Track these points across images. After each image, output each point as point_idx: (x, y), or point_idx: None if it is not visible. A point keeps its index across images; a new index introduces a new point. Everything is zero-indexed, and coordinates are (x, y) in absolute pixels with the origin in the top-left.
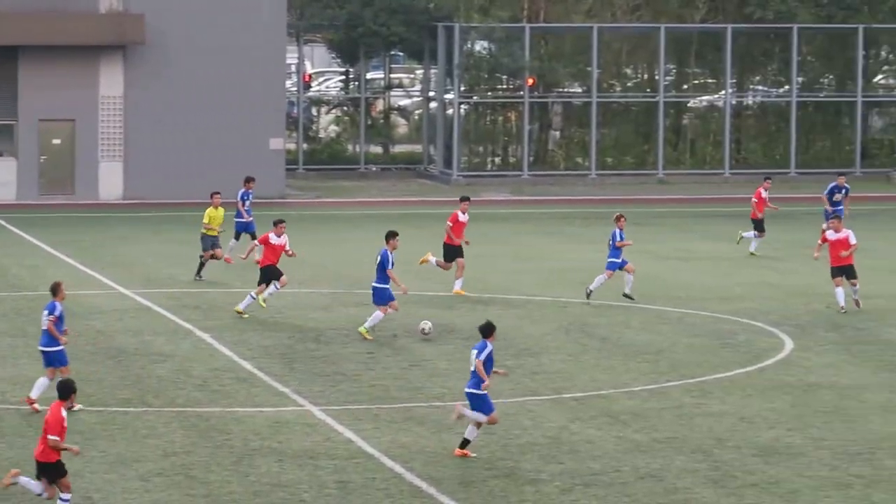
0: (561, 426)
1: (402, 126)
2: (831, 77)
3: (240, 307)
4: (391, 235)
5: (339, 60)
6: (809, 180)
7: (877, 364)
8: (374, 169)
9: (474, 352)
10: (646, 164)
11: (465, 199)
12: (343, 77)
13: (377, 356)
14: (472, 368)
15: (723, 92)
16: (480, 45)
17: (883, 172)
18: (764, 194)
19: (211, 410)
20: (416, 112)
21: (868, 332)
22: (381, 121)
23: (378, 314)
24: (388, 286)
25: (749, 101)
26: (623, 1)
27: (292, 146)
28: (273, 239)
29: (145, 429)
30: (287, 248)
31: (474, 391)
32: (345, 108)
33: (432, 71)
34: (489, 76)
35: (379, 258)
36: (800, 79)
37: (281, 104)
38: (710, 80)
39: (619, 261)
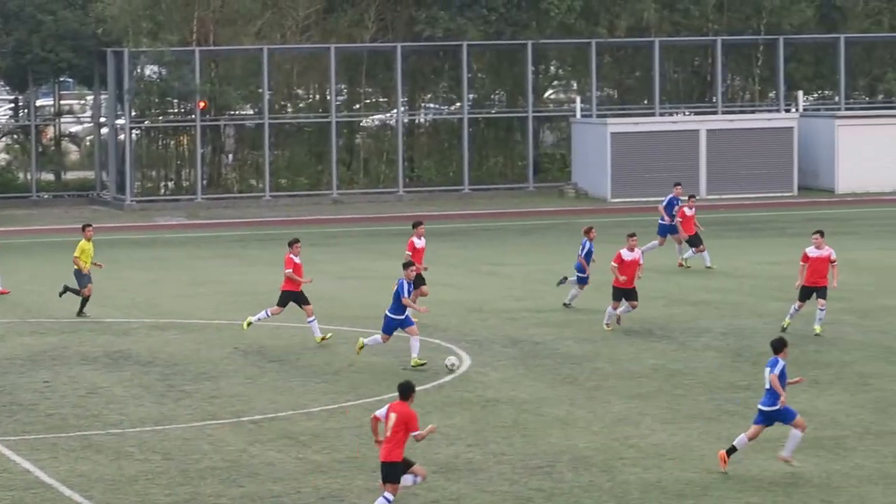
0: (241, 449)
1: (73, 153)
2: (502, 93)
3: (316, 335)
4: (408, 265)
5: (7, 88)
6: (483, 196)
7: (554, 378)
8: (46, 196)
9: (767, 369)
10: (320, 184)
11: (418, 224)
12: (12, 105)
13: (54, 385)
14: (767, 386)
15: (395, 110)
16: (150, 70)
17: (555, 187)
18: (689, 212)
19: None
20: (88, 138)
21: (545, 346)
22: (53, 148)
23: (377, 338)
24: (401, 316)
25: (421, 118)
26: (293, 22)
27: None
28: (295, 260)
29: None
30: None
31: (768, 408)
32: (15, 135)
33: (103, 96)
34: (160, 100)
35: (396, 288)
36: (471, 95)
37: None
38: (381, 99)
39: (585, 275)
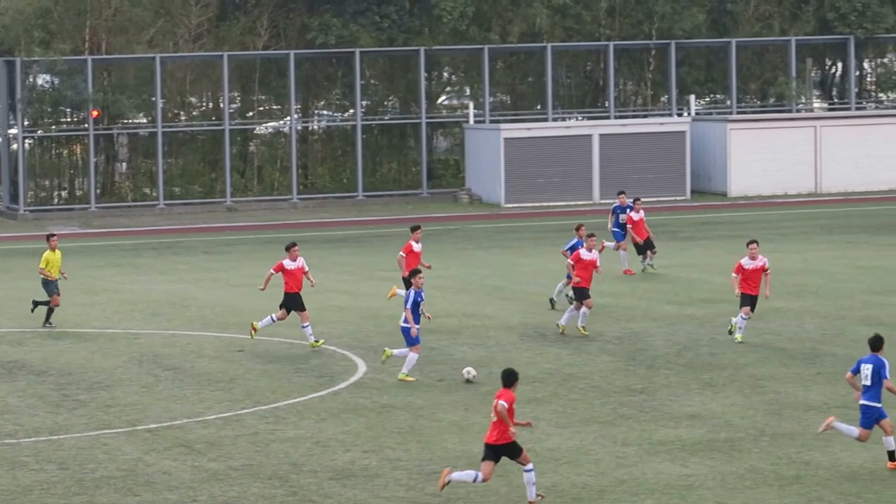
0: (136, 458)
1: None
2: (395, 100)
3: (257, 324)
4: (415, 273)
5: None
6: (377, 203)
7: (449, 383)
8: None
9: (869, 366)
10: (214, 192)
11: (416, 228)
12: None
13: None
14: (867, 383)
15: (288, 118)
16: (43, 79)
17: (449, 193)
18: (636, 217)
19: None
20: None
21: (440, 352)
22: None
23: (412, 356)
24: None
25: (314, 126)
26: (185, 30)
27: None
28: (288, 265)
29: None
30: (307, 272)
31: (869, 404)
32: None
33: None
34: (53, 109)
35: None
36: (364, 102)
37: None
38: (275, 107)
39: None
